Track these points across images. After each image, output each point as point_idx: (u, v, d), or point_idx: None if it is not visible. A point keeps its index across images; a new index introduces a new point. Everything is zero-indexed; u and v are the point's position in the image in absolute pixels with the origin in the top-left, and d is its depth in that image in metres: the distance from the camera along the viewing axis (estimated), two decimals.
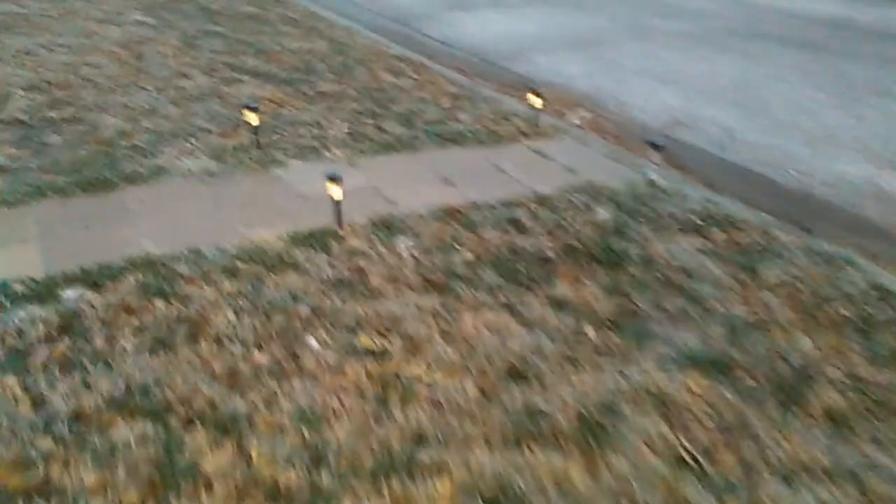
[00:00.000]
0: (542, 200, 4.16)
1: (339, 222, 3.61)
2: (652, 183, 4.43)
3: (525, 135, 5.17)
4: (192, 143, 4.51)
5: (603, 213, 4.03)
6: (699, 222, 4.02)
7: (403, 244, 3.59)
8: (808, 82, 6.92)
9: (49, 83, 5.38)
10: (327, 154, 4.57)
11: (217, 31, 7.16)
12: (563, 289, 3.28)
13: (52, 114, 4.87)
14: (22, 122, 4.73)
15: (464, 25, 8.84)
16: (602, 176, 4.54)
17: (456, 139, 4.97)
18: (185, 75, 5.76)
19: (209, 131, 4.70)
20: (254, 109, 4.31)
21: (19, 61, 5.90)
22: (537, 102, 5.19)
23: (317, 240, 3.55)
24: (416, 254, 3.50)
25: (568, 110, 6.13)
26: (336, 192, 3.51)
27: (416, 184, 4.31)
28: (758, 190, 4.85)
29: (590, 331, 3.02)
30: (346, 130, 4.98)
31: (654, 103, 6.41)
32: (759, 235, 3.93)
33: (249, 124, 4.40)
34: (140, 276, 3.16)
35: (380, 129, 5.04)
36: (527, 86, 6.71)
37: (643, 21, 9.10)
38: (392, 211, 3.92)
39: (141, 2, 8.14)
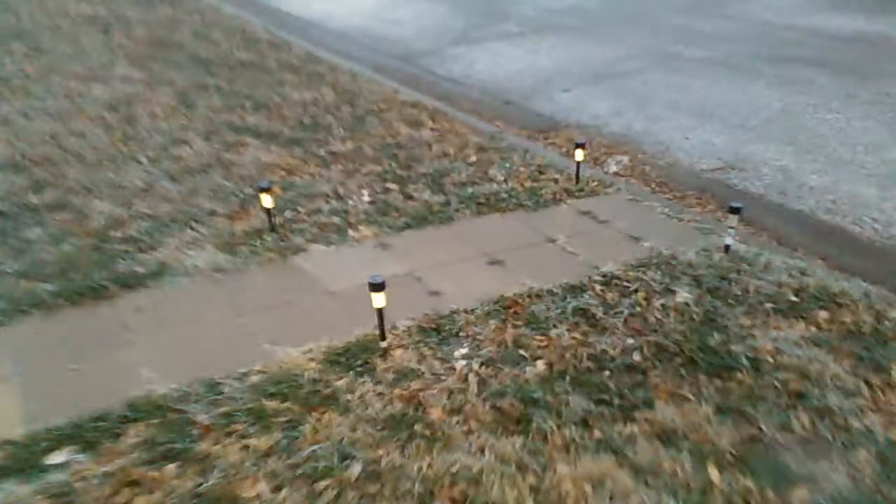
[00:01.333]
0: (609, 281, 3.55)
1: (382, 333, 2.99)
2: (727, 249, 3.84)
3: (568, 192, 4.58)
4: (196, 230, 3.89)
5: (684, 295, 3.43)
6: (794, 298, 3.42)
7: (460, 355, 2.98)
8: (856, 110, 6.37)
9: (28, 160, 4.76)
10: (352, 233, 3.96)
11: (212, 83, 6.57)
12: (665, 411, 2.67)
13: (34, 199, 4.25)
14: None
15: (472, 61, 8.28)
16: (667, 241, 3.95)
17: (493, 203, 4.38)
18: (181, 140, 5.15)
19: (214, 213, 4.08)
20: (267, 190, 3.71)
21: None
22: (580, 155, 4.60)
23: (357, 357, 2.93)
24: (477, 369, 2.89)
25: (604, 155, 5.55)
26: (379, 300, 2.89)
27: (459, 266, 3.70)
28: (836, 245, 4.27)
29: (714, 474, 2.40)
30: (369, 199, 4.38)
31: (696, 142, 5.83)
32: (867, 313, 3.33)
33: (262, 206, 3.78)
34: (144, 428, 2.52)
35: (406, 195, 4.44)
36: (552, 128, 6.19)
37: (664, 48, 8.55)
38: (438, 306, 3.31)
39: (127, 53, 7.54)
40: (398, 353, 2.97)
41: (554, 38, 9.25)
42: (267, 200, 3.74)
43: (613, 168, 5.41)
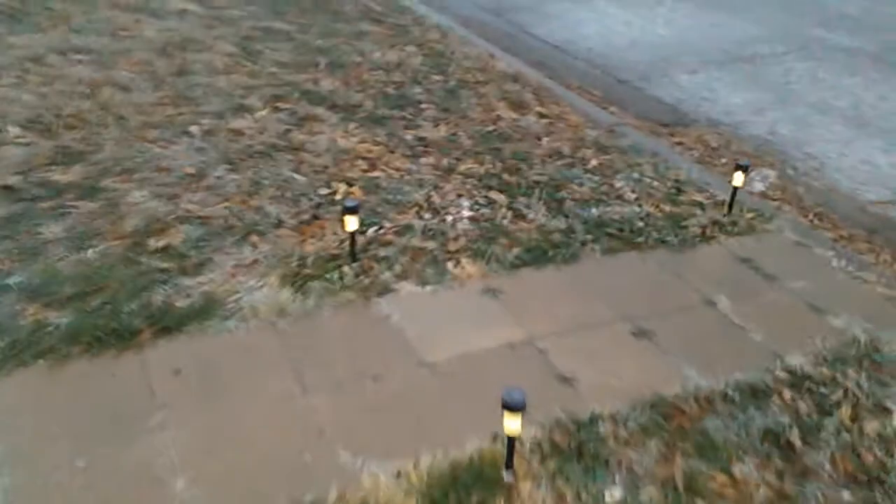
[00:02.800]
0: (799, 382, 2.63)
1: (510, 460, 2.12)
2: None
3: (719, 226, 3.60)
4: (254, 247, 3.02)
5: None
6: None
7: (613, 502, 2.10)
8: None
9: (58, 116, 3.90)
10: (451, 268, 3.06)
11: (281, 29, 5.60)
12: None
13: (58, 176, 3.40)
14: (10, 190, 3.28)
15: (576, 23, 7.15)
16: (859, 317, 2.99)
17: (627, 236, 3.43)
18: (242, 108, 4.24)
19: (280, 223, 3.20)
20: (354, 211, 2.80)
21: (22, 74, 4.42)
22: (739, 179, 3.60)
23: (470, 492, 2.07)
24: None
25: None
26: (514, 424, 2.01)
27: (595, 335, 2.80)
28: None
29: None
30: (469, 213, 3.46)
31: (855, 161, 4.75)
32: None
33: (346, 229, 2.89)
34: None
35: (517, 213, 3.51)
36: (678, 121, 5.15)
37: (803, 30, 7.29)
38: (573, 404, 2.43)
39: None
40: (527, 490, 2.10)
41: (678, 4, 8.01)
42: (352, 223, 2.84)
43: (759, 186, 4.39)
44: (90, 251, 2.95)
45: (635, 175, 4.00)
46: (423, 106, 4.55)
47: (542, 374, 2.58)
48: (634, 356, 2.71)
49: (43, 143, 3.67)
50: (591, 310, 2.93)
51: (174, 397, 2.35)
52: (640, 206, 3.69)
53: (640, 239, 3.42)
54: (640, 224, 3.53)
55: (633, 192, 3.82)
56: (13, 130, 3.75)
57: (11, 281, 2.76)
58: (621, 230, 3.46)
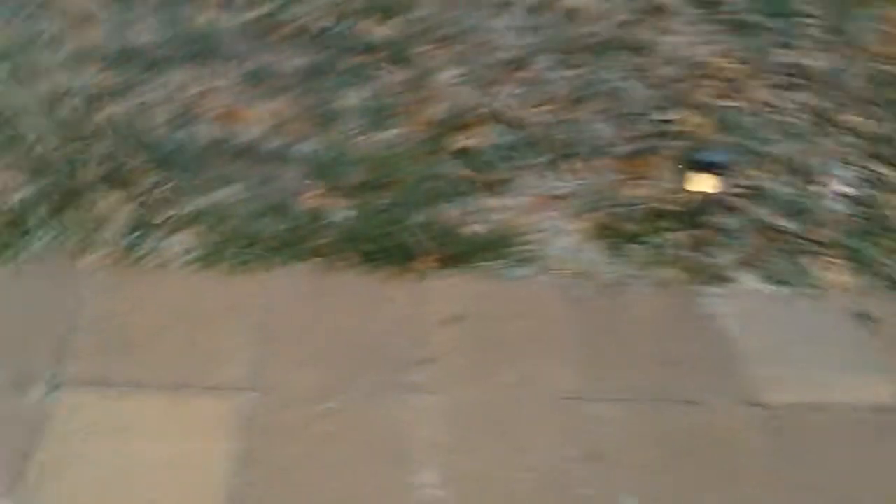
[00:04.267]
0: None
1: None
2: None
3: None
4: (567, 175, 2.47)
5: None
6: None
7: None
8: None
9: None
10: (813, 269, 2.28)
11: None
12: None
13: (369, 27, 3.01)
14: (317, 37, 2.95)
15: None
16: None
17: None
18: None
19: (602, 149, 2.58)
20: (713, 169, 2.10)
21: None
22: None
23: None
24: None
25: None
26: None
27: None
28: None
29: None
30: (847, 188, 2.58)
31: None
32: None
33: (699, 188, 2.21)
34: None
35: None
36: None
37: None
38: None
39: None
40: None
41: None
42: (707, 183, 2.15)
43: None
44: (386, 132, 2.56)
45: None
46: (806, 19, 3.50)
47: None
48: None
49: None
50: None
51: (446, 352, 1.96)
52: None
53: None
54: None
55: None
56: None
57: (302, 149, 2.47)
58: None
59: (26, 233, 2.16)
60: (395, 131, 2.58)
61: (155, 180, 2.33)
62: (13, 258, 2.11)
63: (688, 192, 2.24)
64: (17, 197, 2.26)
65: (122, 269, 2.10)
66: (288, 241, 2.18)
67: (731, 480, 1.74)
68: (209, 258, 2.14)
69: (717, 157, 2.15)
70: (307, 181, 2.38)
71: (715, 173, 2.18)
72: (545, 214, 2.33)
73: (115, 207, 2.24)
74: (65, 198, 2.25)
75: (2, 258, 2.11)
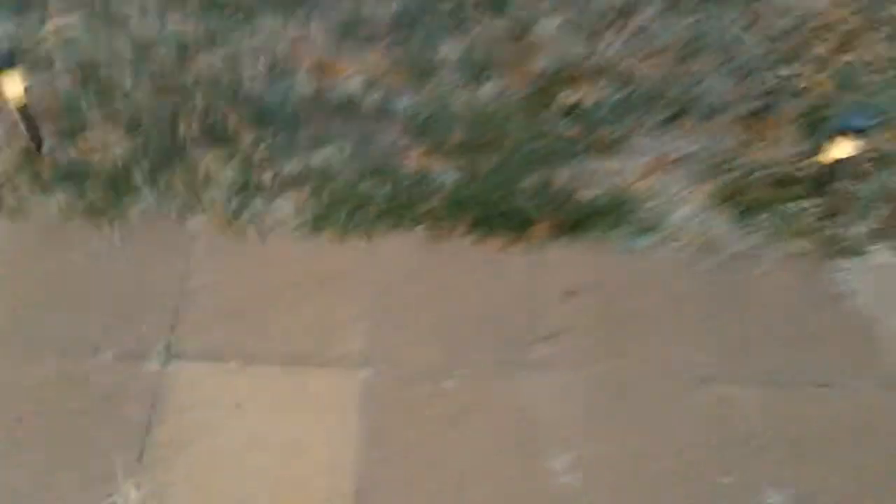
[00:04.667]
0: None
1: None
2: None
3: None
4: (684, 136, 2.32)
5: None
6: None
7: None
8: None
9: None
10: None
11: None
12: None
13: None
14: None
15: None
16: None
17: None
18: None
19: (720, 107, 2.42)
20: (851, 133, 1.94)
21: None
22: None
23: None
24: None
25: None
26: None
27: None
28: None
29: None
30: None
31: None
32: None
33: (831, 158, 2.06)
34: None
35: None
36: None
37: None
38: None
39: None
40: None
41: None
42: (845, 148, 1.99)
43: None
44: (487, 85, 2.42)
45: None
46: None
47: None
48: None
49: None
50: None
51: (569, 327, 1.87)
52: None
53: None
54: None
55: None
56: None
57: (401, 105, 2.35)
58: None
59: (129, 192, 2.10)
60: (495, 85, 2.43)
61: (254, 137, 2.24)
62: (119, 218, 2.05)
63: (819, 156, 2.08)
64: (116, 152, 2.18)
65: (229, 232, 2.03)
66: (395, 206, 2.09)
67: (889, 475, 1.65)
68: (316, 223, 2.06)
69: (859, 121, 1.98)
70: (408, 140, 2.26)
71: (853, 138, 2.01)
72: (661, 179, 2.19)
73: (216, 166, 2.16)
74: (165, 155, 2.17)
75: (107, 218, 2.05)
